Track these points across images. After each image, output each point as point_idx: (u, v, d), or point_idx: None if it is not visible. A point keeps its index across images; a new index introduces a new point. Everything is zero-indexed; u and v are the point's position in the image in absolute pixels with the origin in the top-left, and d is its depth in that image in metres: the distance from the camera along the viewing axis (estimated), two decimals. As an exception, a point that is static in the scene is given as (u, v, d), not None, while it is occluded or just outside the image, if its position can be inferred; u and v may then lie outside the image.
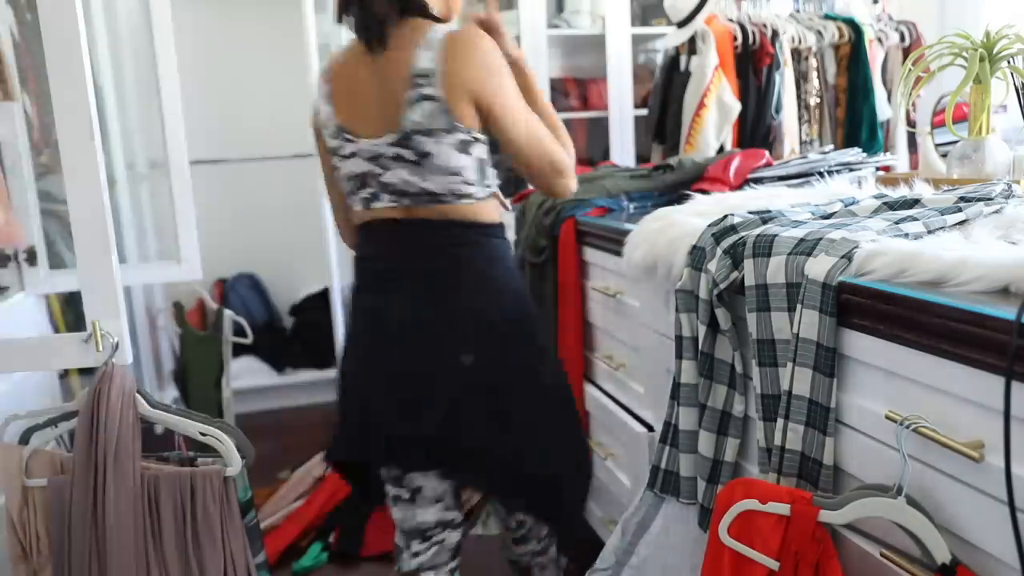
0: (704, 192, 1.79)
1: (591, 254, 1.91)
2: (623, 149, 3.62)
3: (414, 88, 1.27)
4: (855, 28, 2.49)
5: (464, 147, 1.30)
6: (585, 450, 1.58)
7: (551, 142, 1.38)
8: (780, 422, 1.04)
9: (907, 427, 0.86)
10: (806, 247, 1.01)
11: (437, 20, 1.38)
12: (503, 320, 1.37)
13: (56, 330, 2.36)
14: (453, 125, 1.28)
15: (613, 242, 1.68)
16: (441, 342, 1.34)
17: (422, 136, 1.28)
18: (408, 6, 1.32)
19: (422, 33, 1.30)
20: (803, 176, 1.75)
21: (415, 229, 1.35)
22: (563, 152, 1.39)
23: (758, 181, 1.78)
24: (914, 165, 2.41)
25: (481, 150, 1.33)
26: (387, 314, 1.36)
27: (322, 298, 3.61)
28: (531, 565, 1.72)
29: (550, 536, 1.66)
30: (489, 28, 1.42)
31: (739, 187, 1.78)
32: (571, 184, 1.41)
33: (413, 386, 1.35)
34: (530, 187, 1.78)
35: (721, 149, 2.41)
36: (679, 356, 1.24)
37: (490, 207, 1.38)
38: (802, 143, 2.53)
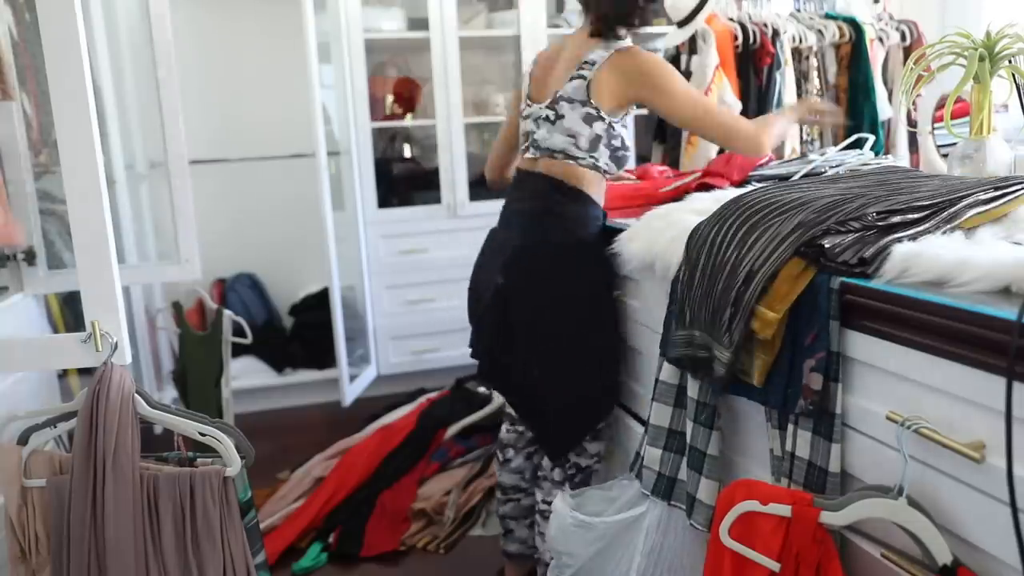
0: (706, 188, 1.79)
1: None
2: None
3: (578, 69, 1.65)
4: (856, 27, 2.49)
5: (588, 119, 1.64)
6: (589, 391, 1.70)
7: (726, 117, 1.69)
8: (790, 428, 1.04)
9: (908, 428, 0.86)
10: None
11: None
12: (542, 263, 1.66)
13: (55, 330, 2.36)
14: (587, 99, 1.63)
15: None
16: (494, 266, 1.72)
17: (564, 102, 1.65)
18: (620, 26, 1.69)
19: (610, 40, 1.68)
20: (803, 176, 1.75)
21: (532, 177, 1.72)
22: (741, 124, 1.68)
23: (759, 180, 1.78)
24: (915, 164, 2.41)
25: (601, 127, 1.64)
26: (489, 241, 1.82)
27: (322, 298, 3.60)
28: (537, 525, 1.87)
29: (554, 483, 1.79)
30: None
31: (741, 183, 1.78)
32: (755, 141, 1.69)
33: (481, 291, 1.79)
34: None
35: (722, 149, 2.40)
36: (661, 352, 1.28)
37: (590, 176, 1.68)
38: (802, 142, 2.53)
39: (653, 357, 1.56)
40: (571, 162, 1.67)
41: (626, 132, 1.70)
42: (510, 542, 1.99)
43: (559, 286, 1.66)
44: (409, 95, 3.51)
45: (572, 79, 1.65)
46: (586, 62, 1.64)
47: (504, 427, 1.96)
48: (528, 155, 1.73)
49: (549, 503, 1.73)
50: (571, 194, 1.67)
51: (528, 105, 1.75)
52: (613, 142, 1.67)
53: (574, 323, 1.66)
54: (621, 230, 1.59)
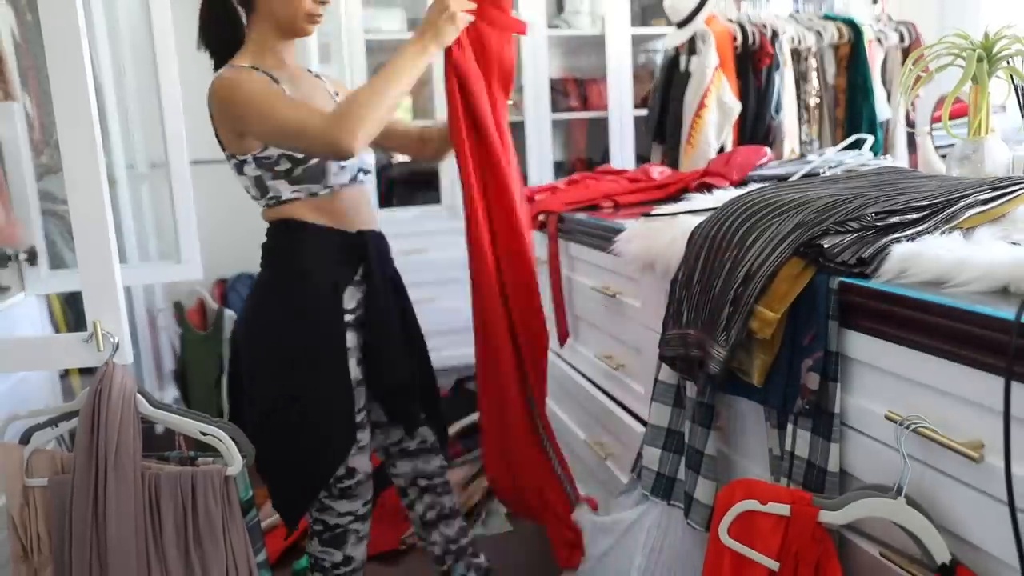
0: (706, 188, 1.79)
1: (578, 250, 1.92)
2: (623, 149, 3.62)
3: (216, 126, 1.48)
4: (854, 28, 2.50)
5: (238, 168, 1.49)
6: (303, 457, 1.51)
7: (293, 113, 1.36)
8: (789, 427, 1.05)
9: (907, 427, 0.87)
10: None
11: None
12: (248, 319, 1.56)
13: (56, 330, 2.37)
14: (225, 153, 1.50)
15: (602, 239, 1.69)
16: None
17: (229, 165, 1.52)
18: (227, 48, 1.50)
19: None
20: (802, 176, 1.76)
21: None
22: (314, 117, 1.34)
23: (758, 180, 1.79)
24: (913, 165, 2.41)
25: (252, 170, 1.46)
26: None
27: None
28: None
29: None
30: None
31: (740, 183, 1.79)
32: (337, 138, 1.32)
33: None
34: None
35: (722, 149, 2.41)
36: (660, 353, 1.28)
37: (287, 211, 1.49)
38: (802, 143, 2.53)
39: (653, 357, 1.56)
40: (264, 208, 1.52)
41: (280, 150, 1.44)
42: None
43: (266, 330, 1.51)
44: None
45: (217, 137, 1.49)
46: (210, 114, 1.46)
47: None
48: None
49: (309, 553, 1.62)
50: (281, 226, 1.50)
51: None
52: (278, 169, 1.44)
53: (284, 371, 1.49)
54: (620, 230, 1.59)
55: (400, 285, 1.67)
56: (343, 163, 1.49)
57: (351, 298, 1.53)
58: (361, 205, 1.57)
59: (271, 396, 1.50)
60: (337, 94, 1.63)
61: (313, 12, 1.46)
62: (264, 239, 1.54)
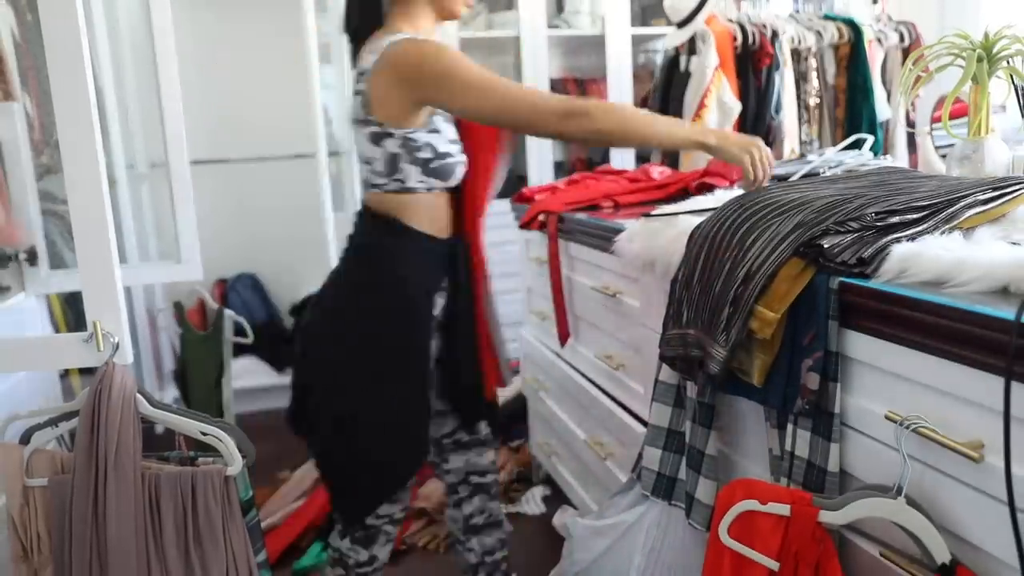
0: (706, 188, 1.79)
1: (578, 250, 1.92)
2: (623, 149, 3.61)
3: (356, 83, 1.43)
4: (854, 28, 2.50)
5: (375, 139, 1.42)
6: (382, 453, 1.50)
7: (538, 96, 1.39)
8: (789, 427, 1.05)
9: (907, 427, 0.87)
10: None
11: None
12: (340, 302, 1.52)
13: (56, 330, 2.37)
14: (367, 117, 1.41)
15: (602, 239, 1.69)
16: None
17: (353, 125, 1.46)
18: (371, 23, 1.46)
19: (379, 39, 1.42)
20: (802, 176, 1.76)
21: (361, 210, 1.54)
22: (559, 98, 1.38)
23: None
24: (913, 165, 2.41)
25: (394, 144, 1.41)
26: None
27: (322, 298, 3.61)
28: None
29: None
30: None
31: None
32: (583, 123, 1.36)
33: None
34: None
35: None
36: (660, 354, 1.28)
37: (403, 202, 1.46)
38: (802, 143, 2.53)
39: (653, 357, 1.57)
40: (375, 191, 1.47)
41: (439, 137, 1.44)
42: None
43: (355, 330, 1.48)
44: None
45: (355, 95, 1.44)
46: (361, 73, 1.42)
47: None
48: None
49: (334, 549, 1.60)
50: (382, 225, 1.47)
51: None
52: (419, 155, 1.42)
53: (368, 375, 1.46)
54: (620, 230, 1.59)
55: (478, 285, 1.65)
56: (463, 171, 1.49)
57: (436, 305, 1.53)
58: (450, 208, 1.55)
59: (352, 399, 1.47)
60: None
61: None
62: (356, 233, 1.52)
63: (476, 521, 1.73)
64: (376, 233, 1.49)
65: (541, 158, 3.52)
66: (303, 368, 1.58)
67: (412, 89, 1.37)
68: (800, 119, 2.52)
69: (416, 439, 1.51)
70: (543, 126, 1.38)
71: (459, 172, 1.49)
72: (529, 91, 1.40)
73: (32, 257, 2.11)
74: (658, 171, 2.11)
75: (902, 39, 2.60)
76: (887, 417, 0.90)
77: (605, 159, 3.60)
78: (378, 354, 1.47)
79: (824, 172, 1.75)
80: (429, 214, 1.49)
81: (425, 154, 1.43)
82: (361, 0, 1.48)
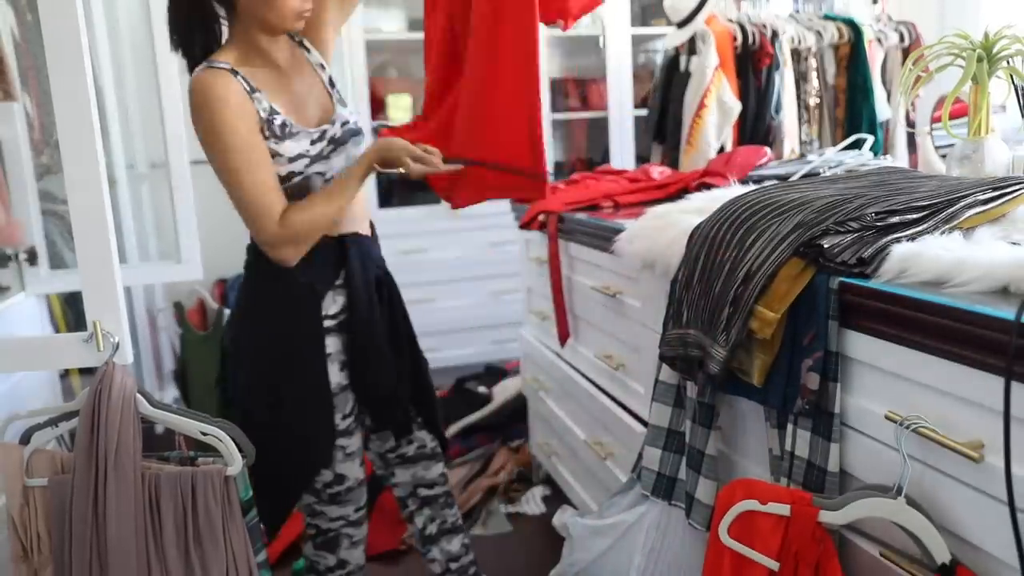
0: (705, 187, 1.79)
1: (578, 250, 1.93)
2: (623, 149, 3.62)
3: None
4: (854, 28, 2.50)
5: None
6: (274, 469, 1.45)
7: (263, 207, 1.39)
8: (789, 427, 1.05)
9: (907, 427, 0.87)
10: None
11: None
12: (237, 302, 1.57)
13: (56, 330, 2.37)
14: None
15: (602, 239, 1.69)
16: None
17: None
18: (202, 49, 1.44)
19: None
20: (802, 176, 1.76)
21: None
22: (273, 226, 1.39)
23: (758, 180, 1.79)
24: (913, 165, 2.41)
25: None
26: None
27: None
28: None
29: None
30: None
31: (741, 183, 1.79)
32: (279, 253, 1.41)
33: None
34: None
35: (722, 149, 2.41)
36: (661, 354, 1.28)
37: None
38: (802, 143, 2.53)
39: (653, 357, 1.57)
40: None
41: (276, 163, 1.40)
42: None
43: (242, 334, 1.54)
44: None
45: None
46: None
47: None
48: None
49: (305, 556, 1.62)
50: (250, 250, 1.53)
51: None
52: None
53: (264, 383, 1.50)
54: (620, 230, 1.59)
55: (391, 288, 1.62)
56: (329, 174, 1.47)
57: (332, 303, 1.50)
58: (349, 208, 1.50)
59: (250, 399, 1.51)
60: (323, 66, 1.57)
61: (301, 9, 1.40)
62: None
63: (430, 531, 1.72)
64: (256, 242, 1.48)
65: (541, 158, 3.52)
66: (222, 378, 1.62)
67: (198, 133, 1.38)
68: (800, 119, 2.52)
69: (318, 435, 1.50)
70: (266, 242, 1.41)
71: (318, 184, 1.47)
72: (257, 200, 1.38)
73: (32, 257, 2.11)
74: (658, 171, 2.11)
75: (902, 39, 2.61)
76: (887, 417, 0.90)
77: (605, 159, 3.60)
78: (267, 354, 1.49)
79: (824, 172, 1.75)
80: None
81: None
82: (189, 22, 1.42)
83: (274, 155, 1.40)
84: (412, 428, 1.66)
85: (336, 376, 1.51)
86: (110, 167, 2.75)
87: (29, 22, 2.03)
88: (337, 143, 1.49)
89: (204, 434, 1.26)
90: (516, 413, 2.73)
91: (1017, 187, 1.09)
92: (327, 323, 1.49)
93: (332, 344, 1.50)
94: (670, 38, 2.56)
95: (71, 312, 2.53)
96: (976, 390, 0.81)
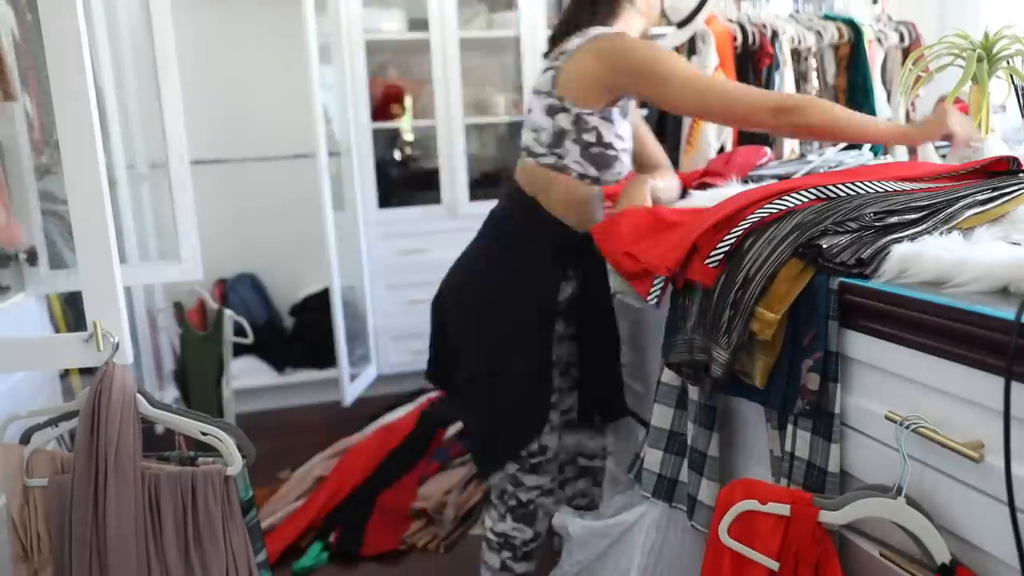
0: (706, 187, 1.79)
1: None
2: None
3: (554, 60, 1.54)
4: (854, 28, 2.49)
5: (551, 111, 1.52)
6: (509, 414, 1.61)
7: (752, 92, 1.46)
8: (790, 428, 1.05)
9: (907, 427, 0.87)
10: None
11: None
12: (471, 278, 1.64)
13: (56, 330, 2.37)
14: (551, 90, 1.51)
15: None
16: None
17: (534, 95, 1.56)
18: (584, 18, 1.59)
19: (588, 30, 1.55)
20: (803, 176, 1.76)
21: (509, 182, 1.65)
22: (771, 95, 1.48)
23: (758, 180, 1.79)
24: (914, 165, 2.41)
25: (566, 120, 1.51)
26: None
27: (322, 298, 3.61)
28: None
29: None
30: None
31: (740, 182, 1.78)
32: (793, 118, 1.40)
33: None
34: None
35: (722, 149, 2.41)
36: (664, 355, 1.28)
37: (551, 180, 1.55)
38: (802, 143, 2.53)
39: (654, 358, 1.56)
40: (532, 160, 1.56)
41: (609, 126, 1.52)
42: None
43: (485, 307, 1.60)
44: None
45: (546, 70, 1.55)
46: (563, 52, 1.53)
47: None
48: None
49: (496, 534, 1.69)
50: (522, 206, 1.59)
51: None
52: (584, 136, 1.51)
53: (496, 346, 1.60)
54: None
55: (607, 280, 1.69)
56: (625, 169, 1.59)
57: (565, 288, 1.60)
58: (602, 202, 1.63)
59: (480, 362, 1.60)
60: None
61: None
62: (500, 207, 1.64)
63: (578, 503, 1.81)
64: (522, 215, 1.58)
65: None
66: (437, 337, 1.71)
67: (609, 74, 1.47)
68: (800, 119, 2.52)
69: (538, 405, 1.59)
70: (755, 121, 1.44)
71: (617, 168, 1.56)
72: (743, 88, 1.47)
73: (32, 257, 2.11)
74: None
75: (902, 39, 2.60)
76: (887, 417, 0.90)
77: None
78: (504, 325, 1.58)
79: (823, 172, 1.75)
80: (571, 200, 1.56)
81: (589, 137, 1.51)
82: (577, 7, 1.59)
83: (609, 120, 1.52)
84: (622, 413, 1.72)
85: (556, 354, 1.61)
86: (110, 167, 2.75)
87: (29, 22, 2.03)
88: (629, 151, 1.62)
89: (204, 434, 1.26)
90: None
91: (1017, 187, 1.09)
92: (559, 305, 1.60)
93: (558, 326, 1.61)
94: (670, 38, 2.56)
95: (71, 312, 2.53)
96: (976, 390, 0.81)
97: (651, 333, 1.57)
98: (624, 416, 1.72)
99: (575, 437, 1.78)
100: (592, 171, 1.54)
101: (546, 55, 1.61)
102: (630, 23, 1.60)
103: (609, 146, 1.53)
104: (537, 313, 1.57)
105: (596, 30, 1.53)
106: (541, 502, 1.66)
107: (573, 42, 1.52)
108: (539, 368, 1.58)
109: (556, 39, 1.60)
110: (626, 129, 1.58)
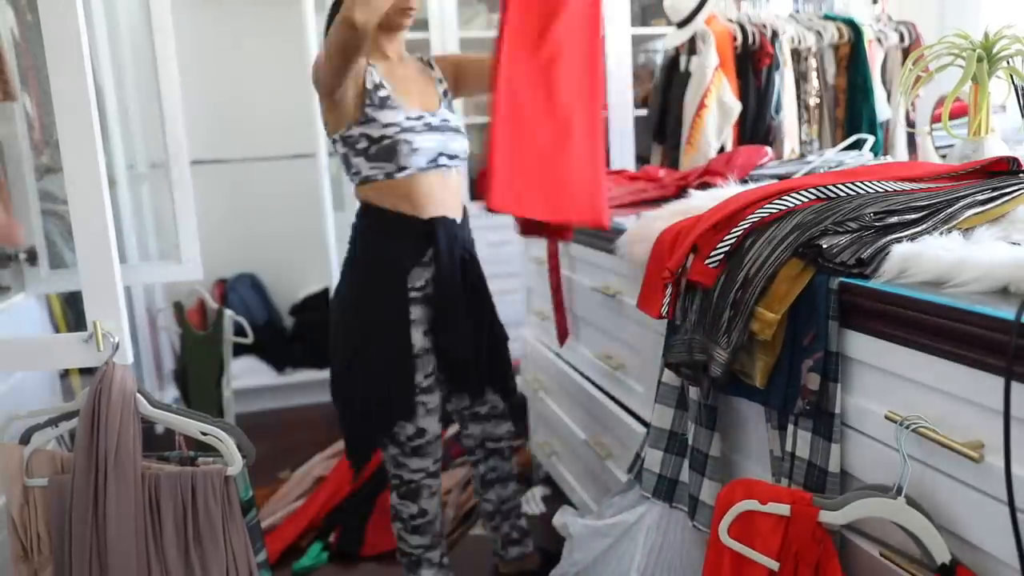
0: (706, 187, 1.79)
1: (578, 250, 1.92)
2: (623, 149, 3.61)
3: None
4: (854, 28, 2.50)
5: (336, 149, 1.72)
6: (359, 412, 1.75)
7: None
8: (790, 428, 1.05)
9: (907, 427, 0.87)
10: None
11: None
12: (342, 277, 1.79)
13: (56, 330, 2.37)
14: (331, 139, 1.72)
15: (602, 239, 1.68)
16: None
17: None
18: None
19: None
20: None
21: None
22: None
23: (757, 180, 1.79)
24: (914, 165, 2.41)
25: (341, 147, 1.70)
26: None
27: (322, 298, 3.61)
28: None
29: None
30: None
31: (740, 182, 1.78)
32: (350, 17, 1.49)
33: None
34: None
35: (722, 149, 2.41)
36: (664, 357, 1.27)
37: (366, 190, 1.72)
38: (802, 143, 2.53)
39: (654, 358, 1.56)
40: (356, 189, 1.75)
41: (372, 125, 1.65)
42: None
43: (347, 300, 1.76)
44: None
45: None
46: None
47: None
48: None
49: (392, 507, 1.83)
50: (361, 210, 1.75)
51: None
52: (357, 146, 1.66)
53: (357, 339, 1.73)
54: (621, 230, 1.59)
55: (475, 269, 1.82)
56: (416, 145, 1.66)
57: (419, 276, 1.71)
58: (439, 191, 1.72)
59: (344, 358, 1.75)
60: (442, 80, 1.85)
61: (404, 5, 1.71)
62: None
63: (489, 477, 2.00)
64: (359, 217, 1.75)
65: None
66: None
67: (323, 86, 1.63)
68: (800, 119, 2.52)
69: (399, 391, 1.71)
70: (342, 21, 1.50)
71: (404, 151, 1.65)
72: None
73: (32, 257, 2.11)
74: (662, 172, 2.11)
75: (902, 39, 2.60)
76: (887, 417, 0.90)
77: (606, 159, 3.60)
78: (359, 321, 1.72)
79: (823, 172, 1.74)
80: (403, 194, 1.69)
81: (362, 144, 1.66)
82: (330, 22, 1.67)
83: (371, 120, 1.64)
84: (485, 391, 1.89)
85: (420, 340, 1.72)
86: (110, 167, 2.75)
87: (29, 22, 2.03)
88: (432, 128, 1.70)
89: (204, 434, 1.26)
90: (516, 413, 2.73)
91: (1017, 187, 1.09)
92: (413, 294, 1.71)
93: (416, 312, 1.72)
94: (670, 38, 2.56)
95: (71, 312, 2.53)
96: (976, 390, 0.81)
97: (650, 333, 1.57)
98: (482, 395, 1.88)
99: (479, 427, 1.94)
100: (388, 166, 1.67)
101: None
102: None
103: (382, 139, 1.65)
104: (390, 304, 1.70)
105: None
106: (426, 483, 1.79)
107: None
108: (397, 355, 1.70)
109: None
110: (391, 115, 1.66)
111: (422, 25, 3.31)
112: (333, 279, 3.07)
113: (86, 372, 2.47)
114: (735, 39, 2.42)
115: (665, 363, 1.28)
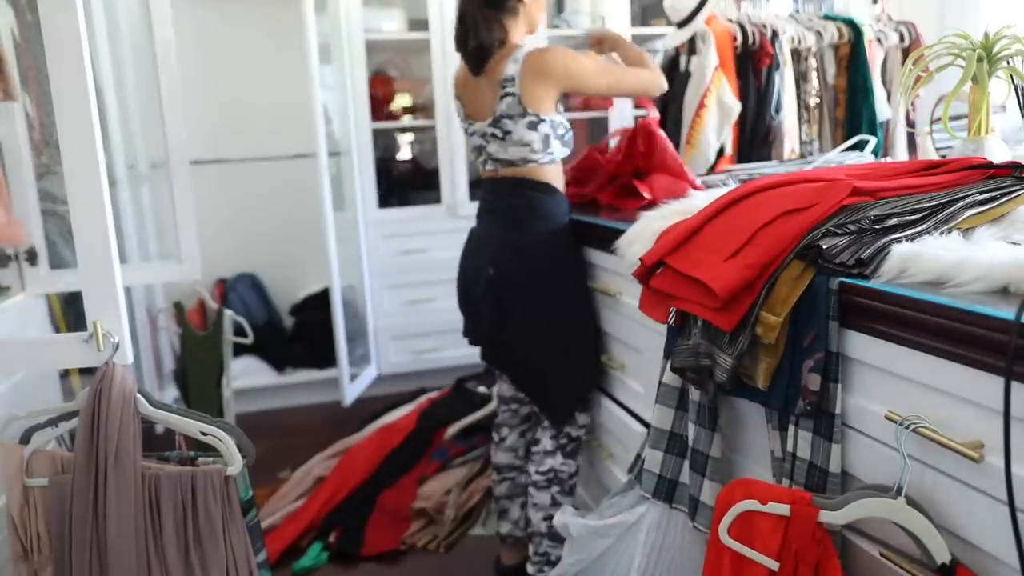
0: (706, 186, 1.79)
1: (590, 254, 1.92)
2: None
3: (503, 89, 1.81)
4: (854, 28, 2.49)
5: (533, 126, 1.81)
6: (579, 365, 1.89)
7: (632, 75, 1.93)
8: (791, 429, 1.05)
9: (907, 427, 0.87)
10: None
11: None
12: (526, 251, 1.86)
13: (56, 330, 2.37)
14: (524, 111, 1.80)
15: (603, 239, 1.68)
16: (481, 259, 1.92)
17: (506, 119, 1.82)
18: (499, 40, 1.85)
19: (510, 52, 1.83)
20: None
21: (500, 182, 1.91)
22: (642, 74, 1.93)
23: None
24: (914, 165, 2.40)
25: (546, 127, 1.82)
26: (471, 240, 2.02)
27: (322, 298, 3.61)
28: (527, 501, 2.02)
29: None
30: (603, 39, 2.11)
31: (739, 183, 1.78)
32: (656, 83, 1.96)
33: (470, 284, 1.96)
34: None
35: (721, 149, 2.41)
36: (666, 356, 1.26)
37: (550, 170, 1.88)
38: (802, 143, 2.53)
39: (654, 358, 1.56)
40: (532, 164, 1.85)
41: (562, 116, 1.88)
42: (504, 523, 2.09)
43: (544, 270, 1.85)
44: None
45: (503, 98, 1.81)
46: (506, 80, 1.81)
47: (499, 408, 2.11)
48: (488, 167, 1.91)
49: (542, 473, 1.90)
50: (540, 187, 1.86)
51: (469, 123, 1.93)
52: (558, 131, 1.86)
53: (560, 302, 1.86)
54: (621, 231, 1.59)
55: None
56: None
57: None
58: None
59: (555, 322, 1.86)
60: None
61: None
62: (515, 197, 1.87)
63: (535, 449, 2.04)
64: (536, 194, 1.86)
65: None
66: (496, 313, 1.89)
67: (553, 84, 1.79)
68: (800, 119, 2.52)
69: (597, 348, 1.89)
70: (656, 86, 1.95)
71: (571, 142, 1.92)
72: (633, 71, 1.93)
73: (32, 257, 2.11)
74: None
75: (902, 39, 2.60)
76: (887, 417, 0.90)
77: (605, 159, 3.60)
78: (562, 285, 1.86)
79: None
80: (562, 178, 1.93)
81: (561, 130, 1.86)
82: (487, 22, 1.83)
83: (562, 113, 1.91)
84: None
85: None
86: (110, 167, 2.75)
87: (29, 22, 2.03)
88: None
89: (204, 434, 1.26)
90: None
91: (1016, 187, 1.09)
92: None
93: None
94: (670, 38, 2.56)
95: (71, 312, 2.53)
96: (976, 390, 0.81)
97: (650, 334, 1.57)
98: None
99: None
100: (567, 152, 1.90)
101: (476, 73, 1.87)
102: (520, 32, 1.89)
103: (568, 127, 1.89)
104: (580, 265, 1.90)
105: (520, 51, 1.81)
106: (584, 438, 1.95)
107: (511, 68, 1.80)
108: (592, 310, 1.90)
109: (475, 58, 1.85)
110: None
111: (422, 25, 3.31)
112: (333, 279, 3.07)
113: (86, 372, 2.47)
114: (735, 39, 2.42)
115: (671, 367, 1.28)
